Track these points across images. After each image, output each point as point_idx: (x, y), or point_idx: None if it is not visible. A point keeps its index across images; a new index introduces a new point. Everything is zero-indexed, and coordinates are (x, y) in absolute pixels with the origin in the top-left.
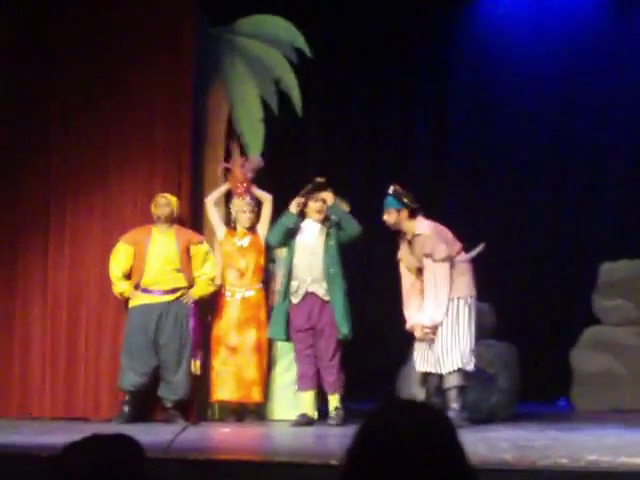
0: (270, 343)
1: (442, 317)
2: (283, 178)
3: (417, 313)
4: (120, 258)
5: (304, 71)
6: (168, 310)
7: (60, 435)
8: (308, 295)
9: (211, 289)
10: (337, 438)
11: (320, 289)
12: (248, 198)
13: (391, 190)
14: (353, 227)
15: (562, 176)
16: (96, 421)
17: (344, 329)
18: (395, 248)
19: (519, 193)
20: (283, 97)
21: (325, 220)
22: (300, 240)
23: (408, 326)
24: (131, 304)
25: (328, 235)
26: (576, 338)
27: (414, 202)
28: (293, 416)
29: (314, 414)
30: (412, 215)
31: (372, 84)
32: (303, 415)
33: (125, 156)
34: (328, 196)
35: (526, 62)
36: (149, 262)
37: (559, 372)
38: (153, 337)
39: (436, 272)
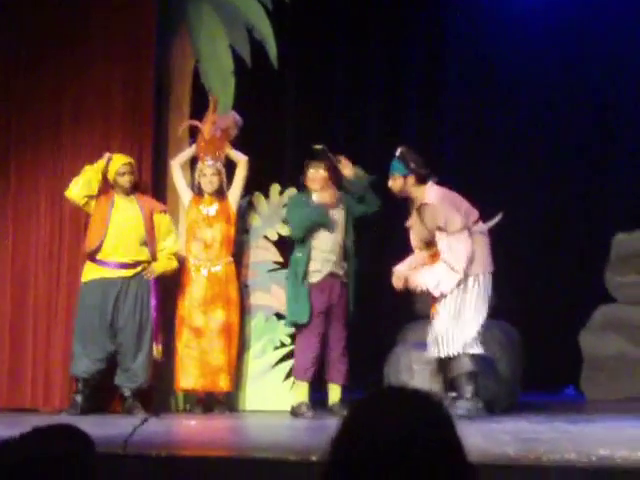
0: (242, 325)
1: (449, 289)
2: (256, 138)
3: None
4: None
5: (280, 17)
6: (128, 287)
7: (3, 429)
8: (329, 275)
9: (174, 265)
10: (318, 432)
11: (341, 270)
12: (209, 160)
13: (397, 153)
14: (375, 202)
15: (570, 138)
16: (47, 412)
17: (351, 307)
18: (381, 221)
19: (521, 157)
20: (256, 47)
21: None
22: None
23: (394, 269)
24: (84, 278)
25: (345, 210)
26: (586, 318)
27: (423, 166)
28: (267, 407)
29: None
30: (421, 181)
31: (357, 32)
32: (305, 404)
33: (78, 116)
34: (347, 166)
35: (528, 13)
36: (111, 229)
37: (567, 357)
38: (111, 318)
39: (452, 246)
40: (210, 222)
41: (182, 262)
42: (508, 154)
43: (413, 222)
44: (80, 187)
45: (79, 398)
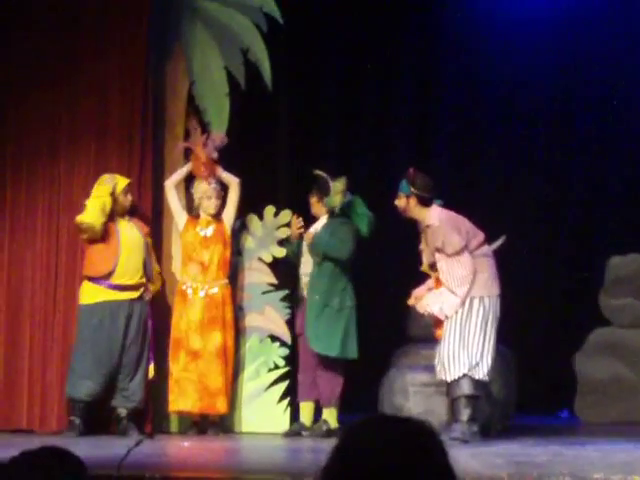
0: (236, 347)
1: (451, 312)
2: (250, 160)
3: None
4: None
5: (275, 40)
6: (133, 308)
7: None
8: (302, 300)
9: (159, 284)
10: (311, 453)
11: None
12: (213, 182)
13: (407, 173)
14: (338, 256)
15: (565, 161)
16: (43, 433)
17: (314, 345)
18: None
19: (516, 178)
20: (251, 69)
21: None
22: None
23: (413, 292)
24: (89, 300)
25: None
26: (581, 341)
27: (427, 190)
28: (261, 428)
29: (311, 425)
30: (423, 203)
31: (351, 55)
32: (299, 423)
33: (75, 138)
34: (306, 232)
35: (522, 21)
36: (123, 254)
37: (561, 380)
38: (121, 341)
39: (451, 268)
40: (207, 244)
41: (177, 284)
42: (502, 176)
43: (423, 245)
44: (98, 212)
45: (78, 420)
